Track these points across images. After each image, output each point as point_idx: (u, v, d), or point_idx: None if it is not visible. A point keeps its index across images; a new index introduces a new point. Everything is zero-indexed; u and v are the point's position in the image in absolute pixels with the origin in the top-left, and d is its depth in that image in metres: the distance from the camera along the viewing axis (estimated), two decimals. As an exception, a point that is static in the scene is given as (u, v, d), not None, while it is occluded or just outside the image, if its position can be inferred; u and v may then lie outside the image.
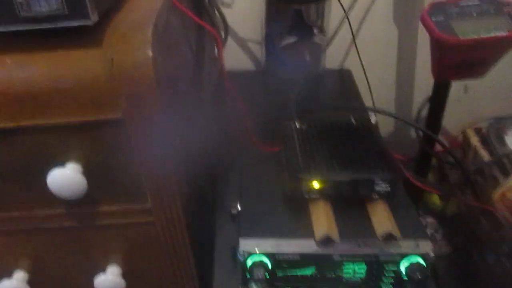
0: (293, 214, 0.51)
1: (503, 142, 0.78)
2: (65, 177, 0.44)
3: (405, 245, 0.47)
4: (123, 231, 0.53)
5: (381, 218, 0.49)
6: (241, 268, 0.47)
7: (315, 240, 0.47)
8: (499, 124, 0.82)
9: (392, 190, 0.50)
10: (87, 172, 0.46)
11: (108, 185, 0.49)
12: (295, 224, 0.49)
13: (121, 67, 0.41)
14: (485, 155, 0.78)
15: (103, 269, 0.55)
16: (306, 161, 0.52)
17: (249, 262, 0.46)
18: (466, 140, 0.85)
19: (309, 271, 0.48)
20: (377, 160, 0.52)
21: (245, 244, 0.47)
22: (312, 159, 0.52)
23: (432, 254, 0.46)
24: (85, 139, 0.45)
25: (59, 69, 0.42)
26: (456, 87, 0.96)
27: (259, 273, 0.46)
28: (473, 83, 0.97)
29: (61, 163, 0.45)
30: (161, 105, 0.43)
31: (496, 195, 0.58)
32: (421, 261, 0.46)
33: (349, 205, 0.51)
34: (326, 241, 0.47)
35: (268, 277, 0.47)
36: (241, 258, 0.46)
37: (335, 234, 0.47)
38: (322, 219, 0.48)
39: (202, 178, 0.69)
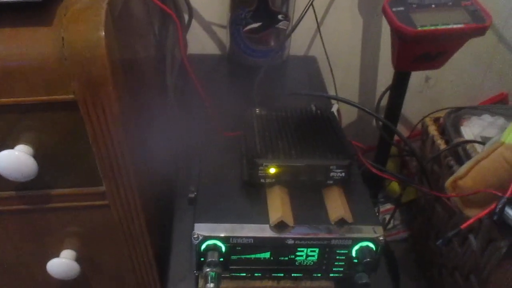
0: (250, 199, 0.51)
1: (459, 132, 0.81)
2: (13, 159, 0.43)
3: (357, 229, 0.48)
4: (77, 215, 0.52)
5: (335, 204, 0.50)
6: (196, 253, 0.47)
7: (269, 224, 0.48)
8: (456, 114, 0.84)
9: (347, 177, 0.51)
10: (39, 155, 0.45)
11: (61, 167, 0.48)
12: (251, 208, 0.50)
13: (72, 47, 0.40)
14: (441, 144, 0.81)
15: (57, 254, 0.54)
16: (264, 147, 0.52)
17: (203, 246, 0.47)
18: (424, 129, 0.87)
19: (263, 255, 0.49)
20: (334, 147, 0.53)
21: (199, 228, 0.47)
22: (270, 144, 0.53)
23: (382, 239, 0.47)
24: (36, 120, 0.44)
25: (7, 48, 0.41)
26: (417, 77, 0.99)
27: (213, 257, 0.46)
28: (434, 74, 0.99)
29: (11, 145, 0.44)
30: (115, 87, 0.43)
31: (448, 183, 0.60)
32: (372, 245, 0.48)
33: (305, 190, 0.52)
34: (280, 225, 0.47)
35: (222, 260, 0.47)
36: (195, 242, 0.47)
37: (289, 219, 0.48)
38: (277, 204, 0.49)
39: (163, 163, 0.69)
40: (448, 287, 0.82)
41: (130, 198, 0.50)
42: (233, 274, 0.50)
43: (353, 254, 0.48)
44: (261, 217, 0.49)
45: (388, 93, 0.77)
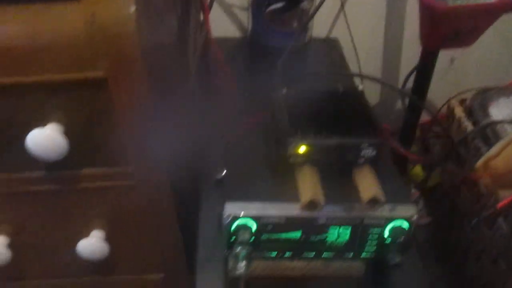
0: (279, 179, 0.51)
1: (486, 113, 0.78)
2: (45, 137, 0.42)
3: (389, 209, 0.47)
4: (106, 195, 0.52)
5: (367, 183, 0.49)
6: (226, 232, 0.47)
7: (300, 204, 0.47)
8: (483, 95, 0.82)
9: (378, 155, 0.50)
10: (68, 133, 0.44)
11: (90, 147, 0.48)
12: (281, 188, 0.49)
13: (102, 22, 0.39)
14: (469, 126, 0.79)
15: (86, 235, 0.54)
16: (293, 126, 0.51)
17: (234, 226, 0.46)
18: (450, 111, 0.85)
19: (294, 235, 0.48)
20: (364, 126, 0.52)
21: (230, 208, 0.46)
22: (299, 124, 0.52)
23: (415, 218, 0.46)
24: (66, 98, 0.44)
25: (36, 24, 0.40)
26: (442, 59, 0.96)
27: (244, 236, 0.46)
28: (459, 55, 0.97)
29: (42, 123, 0.44)
30: (144, 65, 0.42)
31: (479, 163, 0.59)
32: (404, 225, 0.47)
33: (335, 170, 0.51)
34: (312, 204, 0.47)
35: (252, 240, 0.47)
36: (226, 221, 0.46)
37: (320, 198, 0.47)
38: (308, 184, 0.48)
39: (188, 145, 0.69)
40: (474, 272, 0.80)
41: (158, 179, 0.50)
42: (263, 254, 0.50)
43: (386, 234, 0.47)
44: (292, 196, 0.48)
45: (414, 74, 0.76)
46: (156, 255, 0.60)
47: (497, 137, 0.72)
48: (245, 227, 0.46)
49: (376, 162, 0.51)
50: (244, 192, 0.48)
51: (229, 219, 0.46)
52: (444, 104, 0.90)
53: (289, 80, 0.64)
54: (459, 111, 0.83)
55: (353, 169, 0.51)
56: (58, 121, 0.44)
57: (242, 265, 0.46)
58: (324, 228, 0.48)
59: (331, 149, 0.50)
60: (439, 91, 0.98)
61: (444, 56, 0.96)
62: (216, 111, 0.68)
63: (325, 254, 0.50)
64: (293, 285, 0.53)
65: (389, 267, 0.48)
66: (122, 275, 0.63)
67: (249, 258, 0.46)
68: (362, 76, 0.64)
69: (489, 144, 0.73)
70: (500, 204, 0.49)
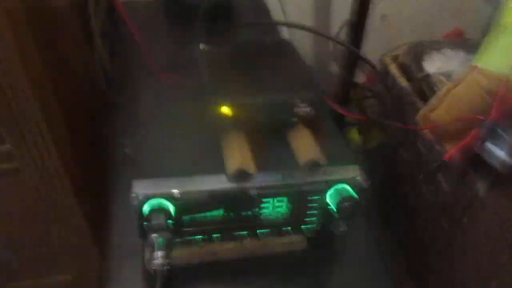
0: (201, 148, 0.42)
1: (420, 68, 0.75)
2: None
3: (331, 171, 0.40)
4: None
5: (304, 145, 0.42)
6: (137, 217, 0.38)
7: (227, 175, 0.39)
8: (416, 50, 0.78)
9: (315, 113, 0.43)
10: None
11: None
12: (203, 159, 0.41)
13: None
14: (403, 82, 0.75)
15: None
16: (215, 86, 0.43)
17: (145, 207, 0.37)
18: (384, 67, 0.81)
19: (221, 212, 0.40)
20: (297, 81, 0.44)
21: (139, 186, 0.37)
22: (222, 83, 0.43)
23: (359, 179, 0.40)
24: None
25: None
26: (373, 16, 0.92)
27: (159, 219, 0.37)
28: (390, 12, 0.93)
29: None
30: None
31: (420, 115, 0.54)
32: (348, 187, 0.40)
33: (267, 133, 0.43)
34: (240, 174, 0.39)
35: (171, 224, 0.38)
36: (135, 203, 0.37)
37: (250, 166, 0.39)
38: (235, 150, 0.40)
39: (87, 113, 0.58)
40: (417, 233, 0.78)
41: (46, 158, 0.39)
42: (186, 238, 0.41)
43: (327, 199, 0.41)
44: (216, 167, 0.40)
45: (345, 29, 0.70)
46: (62, 253, 0.50)
47: (433, 91, 0.68)
48: (159, 209, 0.37)
49: (313, 121, 0.44)
50: (157, 166, 0.39)
51: (139, 201, 0.37)
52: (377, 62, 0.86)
53: (210, 34, 0.55)
54: (393, 67, 0.79)
55: (286, 132, 0.44)
56: None
57: (159, 255, 0.37)
58: (257, 200, 0.40)
59: (259, 109, 0.42)
60: (370, 50, 0.94)
61: (375, 13, 0.92)
62: (126, 76, 0.58)
63: (260, 231, 0.43)
64: (227, 270, 0.46)
65: (334, 237, 0.42)
66: (24, 281, 0.52)
67: (168, 245, 0.38)
68: (291, 25, 0.57)
69: (425, 99, 0.70)
70: (446, 155, 0.44)
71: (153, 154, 0.41)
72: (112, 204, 0.46)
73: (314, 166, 0.40)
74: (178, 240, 0.41)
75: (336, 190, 0.40)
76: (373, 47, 0.93)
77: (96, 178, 0.50)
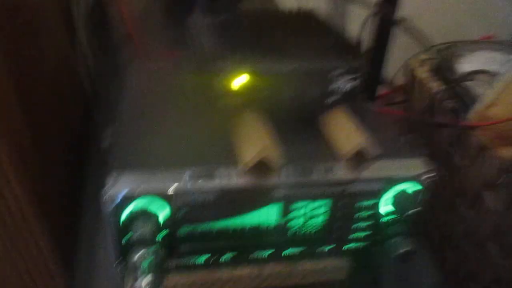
0: (205, 136, 0.31)
1: (454, 71, 0.65)
2: None
3: (388, 166, 0.29)
4: None
5: (346, 131, 0.31)
6: (113, 228, 0.26)
7: (241, 167, 0.27)
8: (446, 51, 0.69)
9: (356, 88, 0.32)
10: None
11: None
12: (208, 146, 0.29)
13: None
14: (436, 85, 0.65)
15: None
16: (222, 55, 0.32)
17: (124, 214, 0.25)
18: (409, 74, 0.71)
19: (234, 222, 0.28)
20: (331, 48, 0.34)
21: (117, 183, 0.26)
22: (233, 49, 0.33)
23: (430, 176, 0.29)
24: None
25: None
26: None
27: (145, 230, 0.25)
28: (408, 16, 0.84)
29: None
30: None
31: (473, 114, 0.44)
32: (413, 189, 0.29)
33: (292, 116, 0.32)
34: (259, 168, 0.27)
35: (163, 236, 0.26)
36: (110, 209, 0.25)
37: (273, 156, 0.28)
38: (252, 137, 0.29)
39: (65, 105, 0.47)
40: (457, 258, 0.66)
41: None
42: (184, 259, 0.29)
43: (383, 206, 0.29)
44: (225, 159, 0.28)
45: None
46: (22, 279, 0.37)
47: (471, 96, 0.58)
48: (146, 214, 0.25)
49: (353, 100, 0.33)
50: (142, 156, 0.28)
51: (115, 205, 0.25)
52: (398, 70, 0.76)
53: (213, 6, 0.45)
54: (421, 71, 0.69)
55: (321, 112, 0.33)
56: None
57: (145, 283, 0.25)
58: (285, 206, 0.28)
59: (281, 82, 0.31)
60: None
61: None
62: (112, 63, 0.47)
63: (287, 251, 0.31)
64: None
65: (390, 262, 0.30)
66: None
67: (159, 271, 0.26)
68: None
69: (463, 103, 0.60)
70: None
71: (137, 142, 0.29)
72: (82, 216, 0.34)
73: (361, 158, 0.28)
74: (172, 262, 0.28)
75: (398, 192, 0.28)
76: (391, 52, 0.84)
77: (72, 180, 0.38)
